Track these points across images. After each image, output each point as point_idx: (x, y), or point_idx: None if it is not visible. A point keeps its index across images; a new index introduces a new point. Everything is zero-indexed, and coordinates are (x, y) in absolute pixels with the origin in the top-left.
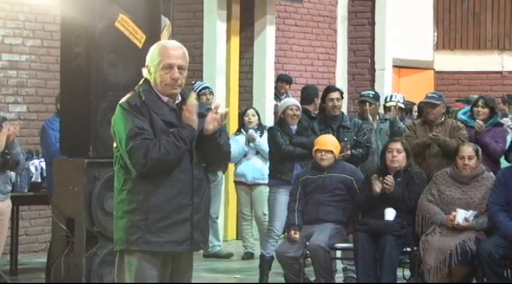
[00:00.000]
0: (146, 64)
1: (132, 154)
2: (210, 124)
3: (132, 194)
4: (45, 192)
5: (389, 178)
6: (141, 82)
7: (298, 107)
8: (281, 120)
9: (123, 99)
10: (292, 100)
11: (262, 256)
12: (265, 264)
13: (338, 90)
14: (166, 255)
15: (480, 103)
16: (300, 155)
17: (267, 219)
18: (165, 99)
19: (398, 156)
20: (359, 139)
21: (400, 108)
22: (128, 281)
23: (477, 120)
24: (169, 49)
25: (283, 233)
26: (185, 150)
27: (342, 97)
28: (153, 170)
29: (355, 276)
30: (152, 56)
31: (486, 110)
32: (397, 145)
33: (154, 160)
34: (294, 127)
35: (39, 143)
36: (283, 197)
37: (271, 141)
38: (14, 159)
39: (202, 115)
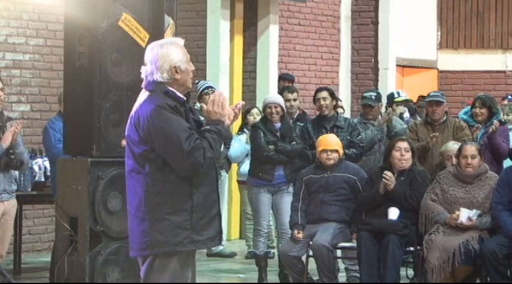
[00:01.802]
0: (171, 66)
1: (192, 154)
2: (228, 119)
3: (174, 195)
4: (48, 191)
5: (388, 174)
6: (154, 85)
7: (277, 104)
8: (265, 117)
9: (158, 102)
10: (271, 98)
11: (256, 255)
12: (261, 261)
13: (327, 89)
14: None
15: (477, 104)
16: (281, 161)
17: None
18: (183, 97)
19: (406, 155)
20: (352, 139)
21: (406, 100)
22: None
23: (494, 121)
24: (182, 44)
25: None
26: None
27: (333, 97)
28: (205, 168)
29: (358, 275)
30: (177, 55)
31: (484, 110)
32: (405, 144)
33: (210, 159)
34: (278, 125)
35: (42, 142)
36: (264, 196)
37: (253, 140)
38: (18, 158)
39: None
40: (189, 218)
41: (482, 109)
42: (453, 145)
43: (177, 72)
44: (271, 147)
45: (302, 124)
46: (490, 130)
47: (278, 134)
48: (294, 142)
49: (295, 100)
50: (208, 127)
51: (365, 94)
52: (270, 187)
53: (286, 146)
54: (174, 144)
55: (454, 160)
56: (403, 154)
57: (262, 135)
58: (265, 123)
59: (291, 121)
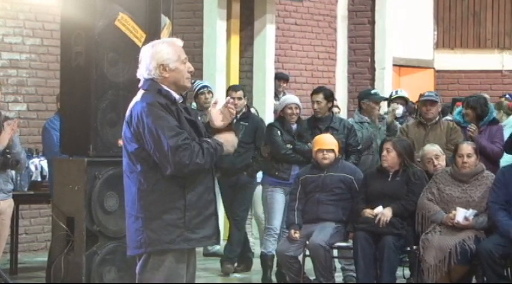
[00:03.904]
0: (158, 64)
1: (178, 153)
2: (221, 121)
3: (166, 194)
4: (45, 191)
5: (373, 214)
6: (149, 84)
7: (297, 106)
8: (281, 117)
9: (149, 100)
10: (291, 99)
11: (263, 255)
12: (267, 262)
13: (322, 91)
14: (187, 252)
15: (464, 104)
16: (297, 161)
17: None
18: (177, 96)
19: (387, 156)
20: (349, 141)
21: (405, 99)
22: (157, 282)
23: (469, 126)
24: (177, 44)
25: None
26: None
27: (329, 99)
28: (191, 173)
29: (354, 275)
30: (167, 53)
31: (469, 111)
32: (387, 145)
33: (197, 166)
34: (294, 126)
35: (41, 142)
36: (280, 195)
37: (270, 139)
38: (15, 158)
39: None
40: (182, 216)
41: (467, 109)
42: (431, 148)
43: (165, 70)
44: (288, 145)
45: (246, 124)
46: (468, 135)
47: (294, 135)
48: (310, 144)
49: (239, 99)
50: (209, 140)
51: (374, 91)
52: (286, 186)
53: (303, 146)
54: (159, 142)
55: (435, 161)
56: (383, 155)
57: (279, 133)
58: (281, 123)
59: (234, 120)
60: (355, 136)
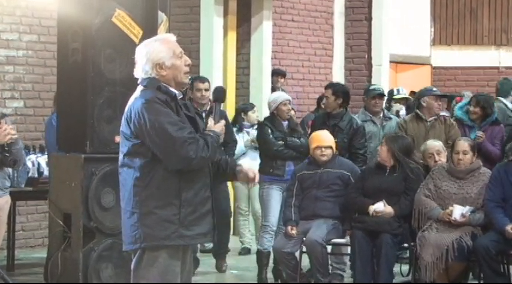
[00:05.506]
0: (154, 64)
1: (184, 147)
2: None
3: (162, 189)
4: (42, 188)
5: (372, 210)
6: (148, 81)
7: (290, 101)
8: (273, 115)
9: (148, 96)
10: (284, 95)
11: (259, 252)
12: (263, 259)
13: (332, 87)
14: (182, 249)
15: (472, 102)
16: (290, 157)
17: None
18: (177, 92)
19: (380, 150)
20: (354, 142)
21: (405, 99)
22: (152, 278)
23: (477, 132)
24: (171, 40)
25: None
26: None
27: (337, 95)
28: (196, 167)
29: (342, 274)
30: (160, 51)
31: (477, 109)
32: (383, 140)
33: (202, 160)
34: (285, 122)
35: (43, 137)
36: (276, 192)
37: (261, 137)
38: (13, 157)
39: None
40: (177, 212)
41: (476, 108)
42: (433, 143)
43: (161, 68)
44: (280, 142)
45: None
46: (477, 141)
47: (286, 131)
48: (303, 138)
49: (206, 90)
50: (211, 133)
51: (372, 86)
52: (282, 183)
53: (295, 141)
54: (164, 136)
55: (437, 157)
56: (377, 150)
57: (269, 131)
58: (272, 121)
59: (204, 114)
60: (360, 138)
